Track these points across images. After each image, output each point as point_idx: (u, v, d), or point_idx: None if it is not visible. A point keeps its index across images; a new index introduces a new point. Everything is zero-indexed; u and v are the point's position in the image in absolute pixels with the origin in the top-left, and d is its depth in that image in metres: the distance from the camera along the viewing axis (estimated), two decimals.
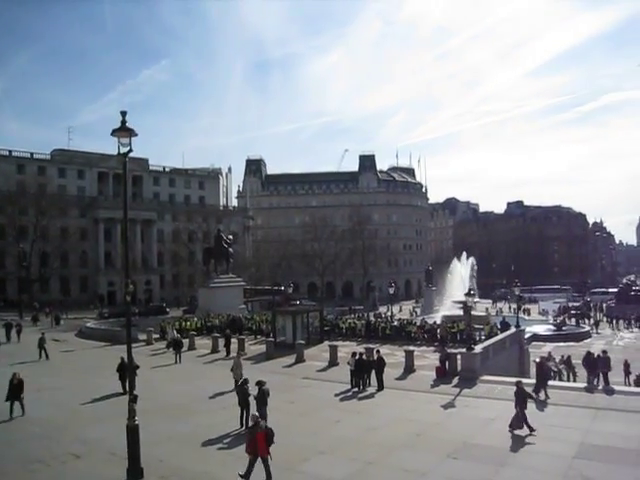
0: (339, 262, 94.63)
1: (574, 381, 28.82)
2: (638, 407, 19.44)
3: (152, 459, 13.65)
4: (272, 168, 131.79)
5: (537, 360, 26.81)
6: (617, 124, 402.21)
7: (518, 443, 15.79)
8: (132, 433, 12.78)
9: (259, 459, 12.92)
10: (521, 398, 16.84)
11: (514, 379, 25.84)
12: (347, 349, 29.74)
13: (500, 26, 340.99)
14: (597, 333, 53.87)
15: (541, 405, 19.84)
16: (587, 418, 18.48)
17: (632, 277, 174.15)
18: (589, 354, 26.62)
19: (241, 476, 12.97)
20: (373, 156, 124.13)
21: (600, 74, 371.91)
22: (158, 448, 15.01)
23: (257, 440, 12.93)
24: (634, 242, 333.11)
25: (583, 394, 21.74)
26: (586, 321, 60.58)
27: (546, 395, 20.81)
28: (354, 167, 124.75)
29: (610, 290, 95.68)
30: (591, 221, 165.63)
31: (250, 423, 13.54)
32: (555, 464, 14.16)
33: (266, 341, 32.96)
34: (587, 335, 50.27)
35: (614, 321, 60.25)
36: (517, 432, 16.37)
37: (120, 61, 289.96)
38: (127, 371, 17.84)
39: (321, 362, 28.52)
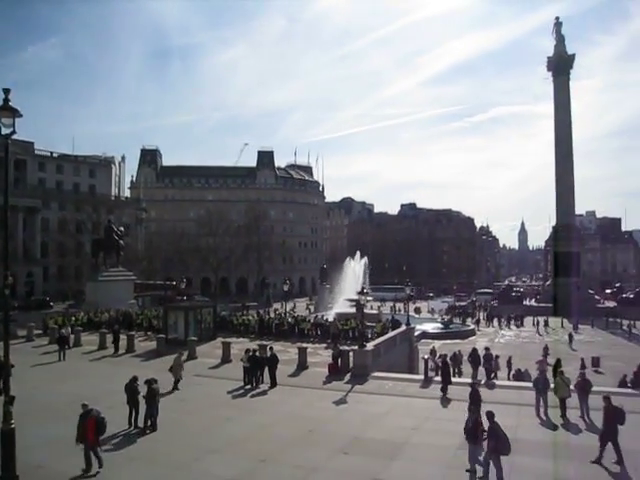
0: (234, 258, 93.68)
1: (459, 376, 30.15)
2: (516, 399, 20.70)
3: (29, 465, 12.74)
4: (168, 159, 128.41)
5: (425, 357, 27.90)
6: (503, 136, 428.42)
7: (407, 437, 16.26)
8: (7, 438, 11.78)
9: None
10: (476, 399, 17.04)
11: (403, 375, 26.98)
12: (240, 346, 29.51)
13: (400, 34, 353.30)
14: (479, 330, 56.77)
15: (445, 402, 20.66)
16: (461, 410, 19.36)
17: (513, 279, 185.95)
18: (474, 351, 28.02)
19: (83, 470, 12.77)
20: (272, 152, 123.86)
21: (489, 88, 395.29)
22: (36, 453, 14.03)
23: (87, 427, 12.56)
24: (516, 246, 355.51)
25: (468, 389, 22.76)
26: (471, 319, 63.65)
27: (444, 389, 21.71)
28: (252, 163, 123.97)
29: (494, 290, 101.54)
30: (478, 225, 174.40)
31: (81, 411, 13.19)
32: (441, 455, 14.76)
33: (157, 338, 31.94)
34: (472, 333, 52.91)
35: (496, 320, 63.84)
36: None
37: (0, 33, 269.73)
38: (3, 370, 16.57)
39: (214, 359, 28.05)
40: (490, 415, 13.20)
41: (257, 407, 19.87)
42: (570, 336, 45.43)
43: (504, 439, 12.78)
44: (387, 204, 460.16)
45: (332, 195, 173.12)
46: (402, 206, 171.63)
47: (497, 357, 29.00)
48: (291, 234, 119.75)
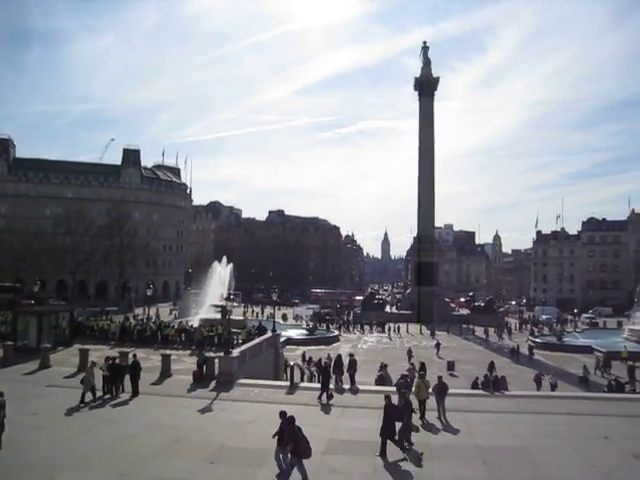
0: (94, 260, 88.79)
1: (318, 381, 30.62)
2: (377, 404, 21.36)
3: None
4: (23, 151, 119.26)
5: (292, 363, 28.12)
6: (370, 148, 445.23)
7: (273, 444, 16.14)
8: None
9: None
10: (408, 410, 16.93)
11: (269, 381, 27.00)
12: (99, 353, 27.96)
13: (277, 42, 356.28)
14: (341, 336, 58.25)
15: (326, 408, 21.01)
16: (335, 416, 19.85)
17: (376, 287, 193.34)
18: (339, 357, 28.72)
19: None
20: (138, 151, 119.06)
21: (360, 102, 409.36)
22: None
23: None
24: (379, 255, 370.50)
25: (333, 394, 23.30)
26: (336, 326, 65.03)
27: (330, 396, 22.08)
28: (117, 160, 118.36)
29: (357, 298, 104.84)
30: (344, 234, 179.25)
31: None
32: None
33: (3, 345, 29.33)
34: (336, 339, 54.10)
35: (359, 326, 65.89)
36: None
37: None
38: None
39: (69, 367, 26.23)
40: (290, 419, 13.56)
41: (117, 418, 18.92)
42: (438, 344, 46.31)
43: (304, 443, 13.16)
44: (256, 210, 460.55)
45: (200, 198, 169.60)
46: (270, 212, 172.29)
47: (386, 366, 29.64)
48: (156, 236, 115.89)
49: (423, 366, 28.03)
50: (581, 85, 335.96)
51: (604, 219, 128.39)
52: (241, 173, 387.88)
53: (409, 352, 40.25)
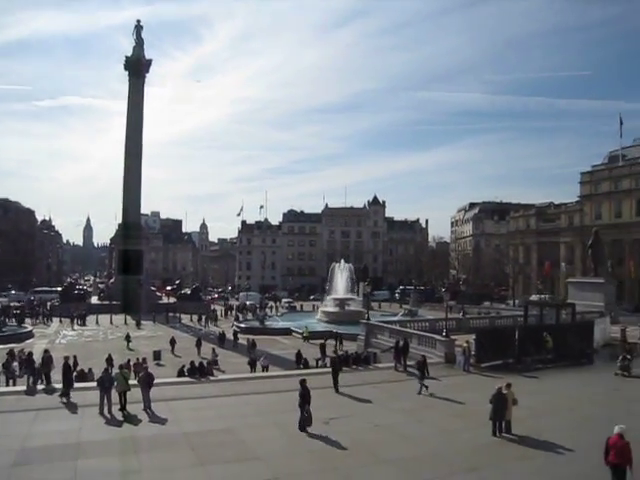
0: None
1: (7, 385, 27.29)
2: (78, 401, 20.08)
3: None
4: None
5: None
6: (73, 127, 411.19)
7: None
8: None
9: None
10: (307, 397, 17.07)
11: None
12: None
13: None
14: (38, 332, 52.94)
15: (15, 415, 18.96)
16: (27, 422, 17.91)
17: (76, 276, 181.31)
18: (30, 355, 26.44)
19: None
20: None
21: (61, 75, 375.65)
22: None
23: None
24: (81, 242, 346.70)
25: (23, 397, 21.21)
26: (30, 321, 58.95)
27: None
28: None
29: (55, 289, 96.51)
30: (40, 218, 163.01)
31: None
32: None
33: None
34: (30, 335, 48.88)
35: (58, 319, 60.84)
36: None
37: None
38: None
39: None
40: None
41: None
42: (173, 341, 41.89)
43: None
44: None
45: None
46: None
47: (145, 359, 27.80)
48: None
49: (144, 360, 27.32)
50: (283, 88, 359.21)
51: (302, 212, 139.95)
52: None
53: (127, 337, 42.80)
